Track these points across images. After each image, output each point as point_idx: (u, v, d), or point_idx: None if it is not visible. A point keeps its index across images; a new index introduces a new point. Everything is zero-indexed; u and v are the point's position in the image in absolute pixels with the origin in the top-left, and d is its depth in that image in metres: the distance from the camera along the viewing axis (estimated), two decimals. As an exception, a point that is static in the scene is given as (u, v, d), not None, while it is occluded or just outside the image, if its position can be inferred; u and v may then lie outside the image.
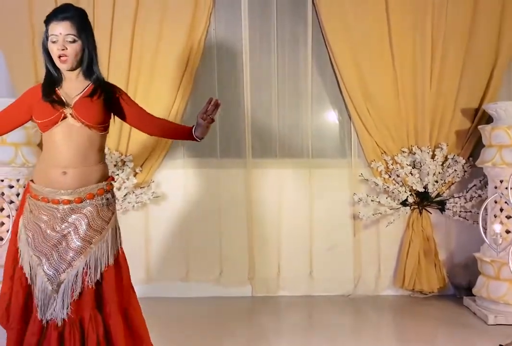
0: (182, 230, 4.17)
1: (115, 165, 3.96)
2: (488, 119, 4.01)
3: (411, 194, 4.11)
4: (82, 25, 2.25)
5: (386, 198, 4.13)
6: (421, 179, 4.09)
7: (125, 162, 3.99)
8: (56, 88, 2.28)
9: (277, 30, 4.12)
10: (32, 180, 2.35)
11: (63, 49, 2.20)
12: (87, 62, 2.27)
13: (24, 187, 3.65)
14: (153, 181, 4.10)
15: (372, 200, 4.11)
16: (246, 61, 4.10)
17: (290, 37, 4.16)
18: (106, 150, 3.90)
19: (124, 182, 3.96)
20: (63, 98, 2.26)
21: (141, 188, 4.05)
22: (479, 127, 3.87)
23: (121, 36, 3.91)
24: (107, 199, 2.34)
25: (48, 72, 2.31)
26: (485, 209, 4.04)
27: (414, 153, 4.09)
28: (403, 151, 4.10)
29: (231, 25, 4.12)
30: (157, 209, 4.15)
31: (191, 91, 4.06)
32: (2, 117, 2.34)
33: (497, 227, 3.21)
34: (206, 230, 4.16)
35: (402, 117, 4.10)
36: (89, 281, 2.23)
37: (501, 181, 3.67)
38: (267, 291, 4.21)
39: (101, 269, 2.26)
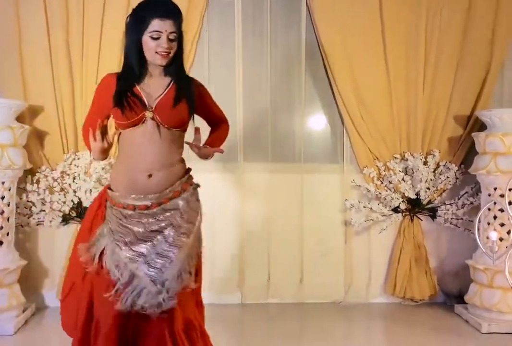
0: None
1: (103, 169, 3.85)
2: (480, 126, 4.00)
3: (403, 201, 4.08)
4: (181, 22, 2.17)
5: (378, 204, 4.08)
6: (413, 186, 4.06)
7: (112, 165, 3.89)
8: (136, 86, 2.18)
9: (270, 33, 4.05)
10: (110, 188, 2.24)
11: (167, 48, 2.12)
12: (178, 61, 2.20)
13: (9, 189, 3.53)
14: (141, 185, 3.99)
15: (364, 207, 4.07)
16: (239, 64, 4.03)
17: (283, 41, 4.10)
18: (93, 153, 3.84)
19: (111, 186, 3.86)
20: (144, 99, 2.16)
21: (129, 192, 3.95)
22: (473, 134, 3.86)
23: (111, 33, 3.79)
24: (193, 189, 2.26)
25: (129, 67, 2.19)
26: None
27: (407, 160, 4.06)
28: (395, 157, 4.08)
29: (224, 28, 4.04)
30: (145, 214, 4.05)
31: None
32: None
33: (493, 235, 3.18)
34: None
35: (395, 123, 4.07)
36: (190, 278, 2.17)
37: (495, 189, 3.66)
38: (257, 298, 4.13)
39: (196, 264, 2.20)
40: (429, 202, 4.13)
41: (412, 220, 4.14)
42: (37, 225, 3.88)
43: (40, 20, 3.77)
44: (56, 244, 3.97)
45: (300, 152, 4.14)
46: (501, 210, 3.63)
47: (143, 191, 2.15)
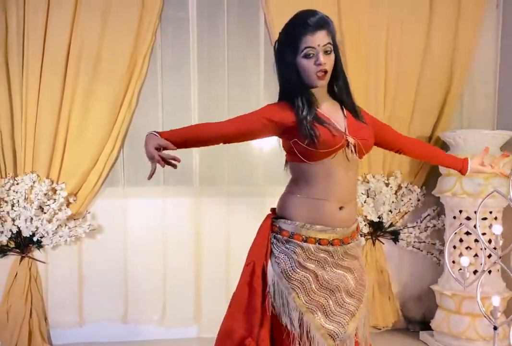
0: (120, 266, 3.76)
1: (45, 194, 3.51)
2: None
3: (365, 224, 3.94)
4: (335, 33, 1.92)
5: (340, 228, 3.93)
6: (375, 209, 3.93)
7: (56, 190, 3.56)
8: (319, 111, 1.95)
9: (227, 48, 3.83)
10: (280, 217, 2.01)
11: (325, 63, 1.87)
12: (342, 80, 1.97)
13: None
14: (88, 212, 3.67)
15: (326, 231, 3.90)
16: (194, 80, 3.79)
17: (240, 55, 3.86)
18: (34, 177, 3.53)
19: (56, 213, 3.53)
20: (336, 124, 1.93)
21: (75, 220, 3.63)
22: (436, 155, 3.77)
23: (53, 51, 3.51)
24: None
25: (304, 92, 1.95)
26: (441, 239, 3.95)
27: (368, 182, 3.93)
28: (357, 179, 3.93)
29: (178, 43, 3.79)
30: (92, 243, 3.72)
31: (133, 113, 3.72)
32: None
33: (465, 260, 3.08)
34: (148, 266, 3.76)
35: (355, 144, 3.93)
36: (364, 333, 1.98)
37: (461, 211, 3.57)
38: (215, 331, 3.84)
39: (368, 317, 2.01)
40: (391, 225, 4.01)
41: (374, 243, 4.00)
42: (-29, 257, 3.51)
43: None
44: (-7, 278, 3.60)
45: (260, 174, 3.93)
46: (467, 233, 3.54)
47: (332, 223, 1.94)
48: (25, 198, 3.48)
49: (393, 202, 3.95)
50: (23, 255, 3.55)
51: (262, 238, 2.01)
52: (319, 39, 1.85)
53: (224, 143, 1.99)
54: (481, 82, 4.09)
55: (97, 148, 3.62)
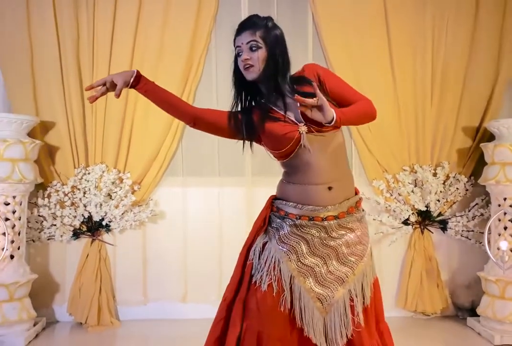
0: (180, 249, 4.07)
1: (113, 183, 3.88)
2: (489, 137, 3.99)
3: (412, 213, 4.06)
4: (266, 33, 2.05)
5: (388, 217, 4.07)
6: (422, 198, 4.05)
7: (123, 179, 3.92)
8: (272, 108, 2.08)
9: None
10: (278, 198, 2.15)
11: (246, 59, 2.03)
12: (273, 75, 2.06)
13: (20, 203, 3.57)
14: (151, 199, 4.02)
15: (373, 219, 4.04)
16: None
17: (291, 58, 4.11)
18: (104, 167, 3.89)
19: (122, 200, 3.89)
20: (288, 117, 2.03)
21: (139, 206, 3.97)
22: (481, 144, 3.86)
23: (121, 50, 3.90)
24: (363, 211, 2.16)
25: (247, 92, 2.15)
26: (489, 227, 4.01)
27: (416, 172, 4.05)
28: (405, 170, 4.07)
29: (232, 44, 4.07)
30: (155, 227, 4.06)
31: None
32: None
33: (504, 244, 3.17)
34: (206, 249, 4.05)
35: (403, 135, 4.07)
36: (363, 301, 2.08)
37: (505, 199, 3.64)
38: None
39: (369, 286, 2.11)
40: (440, 214, 4.10)
41: (422, 232, 4.11)
42: (48, 239, 3.92)
43: (51, 37, 3.86)
44: (67, 259, 4.00)
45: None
46: (512, 221, 3.61)
47: (322, 203, 2.03)
48: (95, 186, 3.86)
49: (441, 191, 4.05)
50: (94, 238, 3.93)
51: (261, 214, 2.16)
52: (244, 38, 2.03)
53: (194, 124, 2.23)
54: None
55: (158, 140, 3.96)
